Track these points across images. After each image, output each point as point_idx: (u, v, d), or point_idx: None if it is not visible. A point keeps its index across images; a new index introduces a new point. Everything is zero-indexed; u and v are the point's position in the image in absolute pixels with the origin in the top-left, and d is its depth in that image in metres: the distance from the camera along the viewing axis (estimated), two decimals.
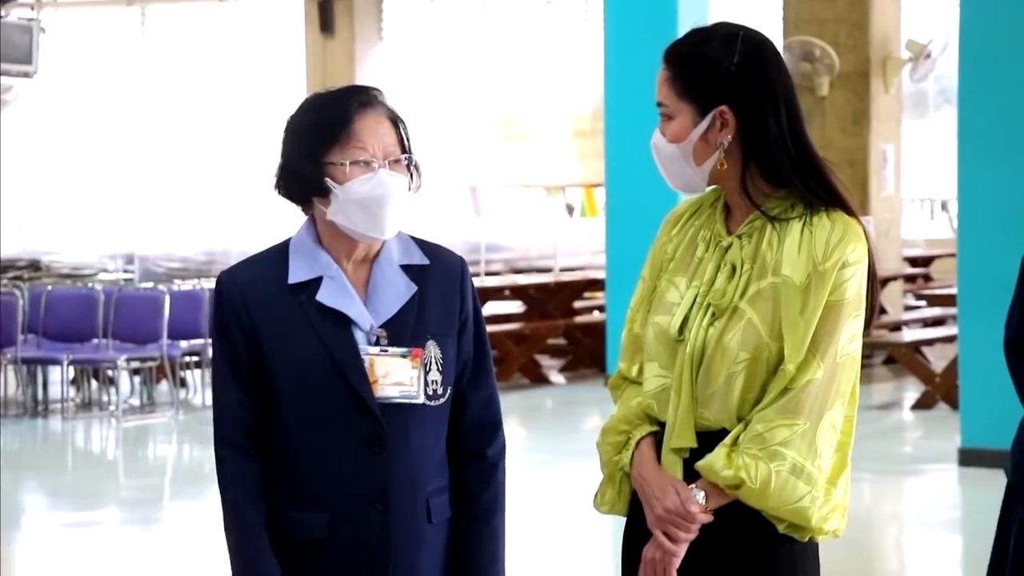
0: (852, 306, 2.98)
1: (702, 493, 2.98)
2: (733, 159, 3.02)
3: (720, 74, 2.99)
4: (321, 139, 3.06)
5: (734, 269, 3.02)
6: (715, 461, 2.96)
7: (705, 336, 3.00)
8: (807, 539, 3.03)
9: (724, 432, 2.99)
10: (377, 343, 3.08)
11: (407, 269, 3.14)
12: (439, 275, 3.16)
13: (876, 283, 3.06)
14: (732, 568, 3.02)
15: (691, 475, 3.01)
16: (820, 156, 3.05)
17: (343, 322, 3.08)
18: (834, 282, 2.96)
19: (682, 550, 2.99)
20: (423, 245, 3.19)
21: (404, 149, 3.12)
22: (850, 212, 3.03)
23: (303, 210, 3.16)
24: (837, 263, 2.96)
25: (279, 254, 3.14)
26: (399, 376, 3.07)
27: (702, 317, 3.02)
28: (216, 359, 3.15)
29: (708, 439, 3.00)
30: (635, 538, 3.11)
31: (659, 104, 3.06)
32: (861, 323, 3.00)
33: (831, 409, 2.97)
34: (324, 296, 3.08)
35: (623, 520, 3.18)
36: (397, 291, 3.12)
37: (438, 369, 3.11)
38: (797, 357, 2.95)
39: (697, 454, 3.01)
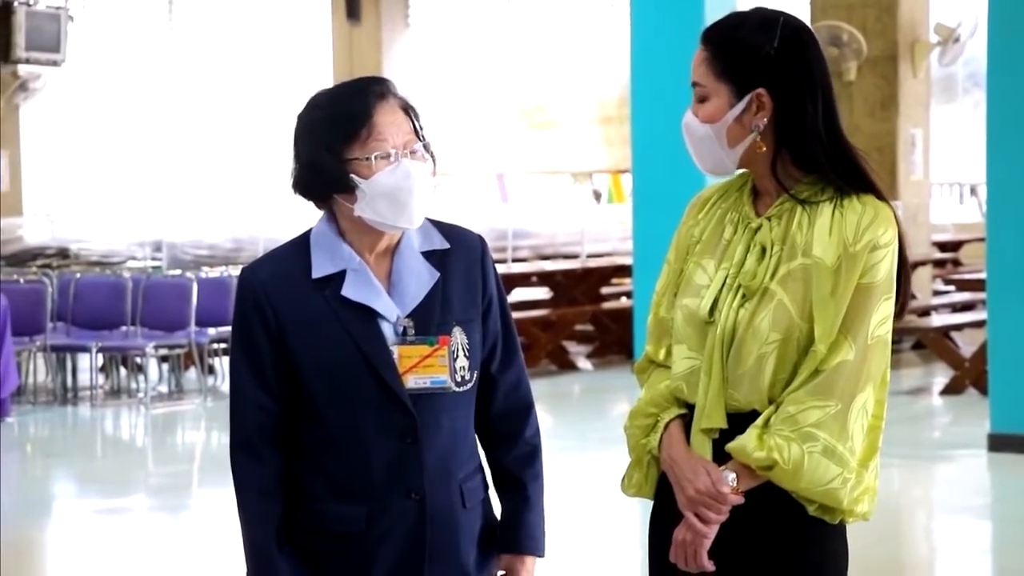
0: (883, 288, 2.98)
1: (733, 475, 2.97)
2: (766, 142, 3.02)
3: (760, 57, 2.99)
4: (342, 135, 3.04)
5: (764, 251, 3.02)
6: (747, 443, 2.95)
7: (736, 317, 3.00)
8: (837, 521, 3.02)
9: (754, 413, 2.99)
10: (404, 334, 3.08)
11: (429, 255, 3.14)
12: (460, 258, 3.15)
13: (908, 269, 3.06)
14: (763, 550, 3.02)
15: (720, 456, 3.01)
16: (852, 144, 3.05)
17: (369, 315, 3.07)
18: (865, 264, 2.96)
19: (713, 532, 2.99)
20: (442, 227, 3.18)
21: (418, 137, 3.11)
22: (881, 197, 3.03)
23: (319, 206, 3.14)
24: (868, 245, 2.97)
25: (300, 248, 3.12)
26: (428, 366, 3.07)
27: (732, 298, 3.02)
28: (235, 360, 3.14)
29: (738, 420, 3.00)
30: (662, 521, 3.11)
31: (694, 84, 3.05)
32: (892, 306, 3.00)
33: (863, 391, 2.97)
34: (349, 290, 3.07)
35: (651, 504, 3.18)
36: (420, 280, 3.11)
37: (465, 355, 3.10)
38: (828, 338, 2.95)
39: (726, 435, 3.00)
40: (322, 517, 3.10)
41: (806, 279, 2.97)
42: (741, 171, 3.12)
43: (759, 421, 2.97)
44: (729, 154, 3.04)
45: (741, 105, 3.00)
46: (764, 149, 3.02)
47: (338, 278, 3.08)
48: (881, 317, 2.98)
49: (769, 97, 3.00)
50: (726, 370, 3.01)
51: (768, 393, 2.99)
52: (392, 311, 3.08)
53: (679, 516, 3.03)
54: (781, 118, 3.00)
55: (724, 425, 3.01)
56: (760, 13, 3.06)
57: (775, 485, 2.97)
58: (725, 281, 3.04)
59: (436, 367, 3.07)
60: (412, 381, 3.06)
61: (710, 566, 2.99)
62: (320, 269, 3.09)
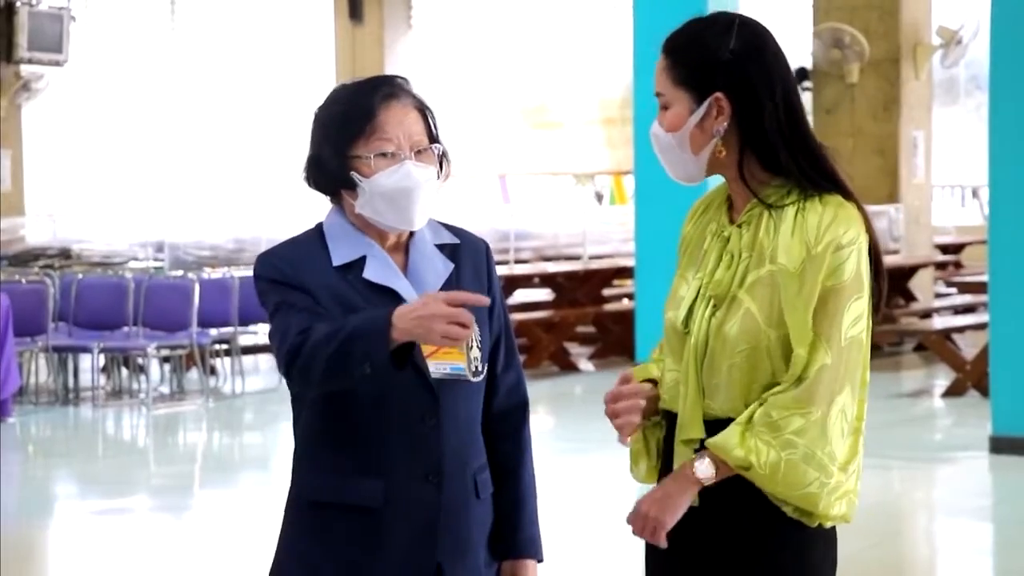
0: (852, 288, 2.97)
1: (707, 461, 2.97)
2: (730, 147, 3.03)
3: (716, 61, 3.00)
4: (346, 132, 3.07)
5: (732, 258, 3.02)
6: (729, 439, 2.95)
7: (708, 327, 3.01)
8: (816, 525, 3.02)
9: (731, 421, 2.98)
10: None
11: (441, 248, 3.17)
12: (469, 254, 3.20)
13: (881, 265, 3.05)
14: (738, 552, 3.02)
15: None
16: (819, 142, 3.04)
17: (393, 298, 3.09)
18: (829, 266, 2.95)
19: (675, 517, 2.98)
20: (449, 227, 3.22)
21: (432, 138, 3.12)
22: (848, 196, 3.02)
23: (331, 200, 3.17)
24: (829, 246, 2.95)
25: (315, 239, 3.14)
26: (447, 352, 3.09)
27: (704, 308, 3.03)
28: (275, 308, 3.05)
29: (716, 428, 3.00)
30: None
31: (657, 94, 3.07)
32: (864, 304, 2.99)
33: (840, 393, 2.96)
34: (370, 273, 3.10)
35: None
36: (436, 269, 3.14)
37: (478, 346, 3.13)
38: (804, 340, 2.94)
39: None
40: (342, 491, 3.10)
41: (772, 286, 2.97)
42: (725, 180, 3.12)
43: (742, 417, 2.96)
44: (695, 160, 3.04)
45: (701, 111, 3.01)
46: (723, 154, 3.02)
47: (359, 264, 3.10)
48: (853, 317, 2.97)
49: (727, 100, 3.00)
50: (701, 380, 3.02)
51: (743, 400, 2.98)
52: (413, 295, 3.09)
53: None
54: (742, 120, 3.00)
55: (702, 435, 3.01)
56: (718, 18, 3.06)
57: (754, 487, 2.97)
58: (699, 291, 3.05)
59: (454, 354, 3.09)
60: (433, 367, 3.08)
61: (664, 543, 2.99)
62: (340, 257, 3.11)
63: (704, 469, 2.97)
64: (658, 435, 3.14)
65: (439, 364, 3.08)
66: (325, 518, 3.12)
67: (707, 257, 3.06)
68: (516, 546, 3.22)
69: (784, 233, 2.97)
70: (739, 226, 3.04)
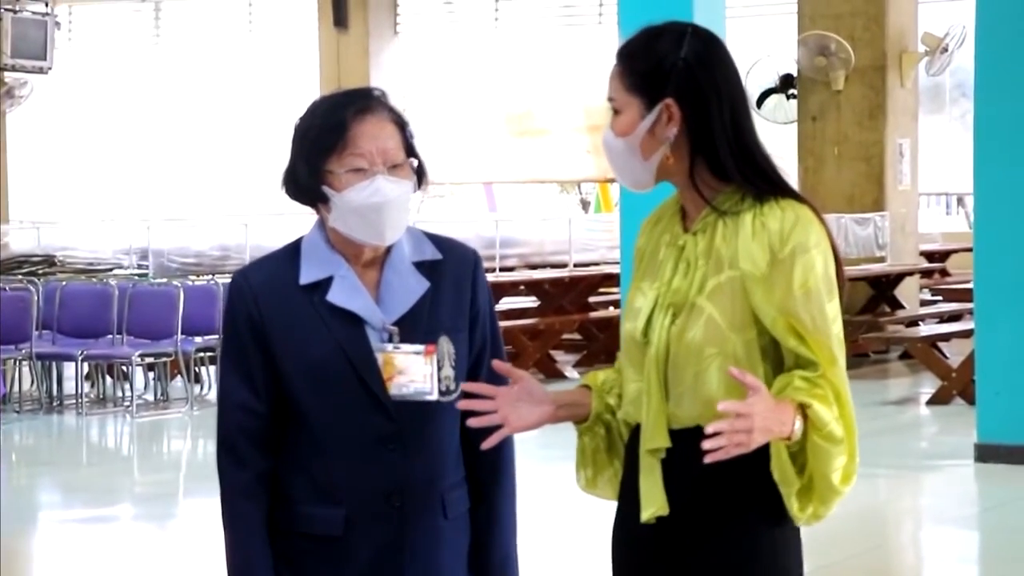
0: (824, 290, 2.96)
1: (800, 424, 2.91)
2: (680, 154, 3.03)
3: (667, 68, 3.02)
4: (320, 146, 3.05)
5: (689, 266, 3.02)
6: (822, 413, 2.90)
7: (668, 336, 3.00)
8: (787, 524, 2.99)
9: (698, 428, 2.95)
10: (390, 340, 3.07)
11: (419, 266, 3.13)
12: (452, 269, 3.15)
13: (841, 267, 3.05)
14: (711, 557, 3.00)
15: (669, 475, 2.99)
16: (766, 152, 3.04)
17: (355, 321, 3.07)
18: (797, 270, 2.94)
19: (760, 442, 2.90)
20: (435, 240, 3.18)
21: (409, 152, 3.10)
22: (801, 201, 3.02)
23: (314, 210, 3.15)
24: (794, 250, 2.95)
25: (291, 254, 3.13)
26: (412, 373, 3.06)
27: (663, 317, 3.02)
28: (224, 361, 3.15)
29: (682, 436, 2.98)
30: (625, 528, 3.09)
31: (609, 99, 3.10)
32: (838, 306, 2.99)
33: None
34: (334, 295, 3.08)
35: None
36: (409, 289, 3.11)
37: (451, 365, 3.10)
38: (818, 348, 2.93)
39: (672, 454, 2.99)
40: (302, 519, 3.10)
41: (733, 292, 2.97)
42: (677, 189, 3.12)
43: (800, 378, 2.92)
44: (645, 166, 3.05)
45: (651, 117, 3.02)
46: (672, 161, 3.03)
47: (325, 284, 3.09)
48: (832, 316, 2.97)
49: (677, 107, 3.01)
50: (664, 389, 3.00)
51: (710, 407, 2.94)
52: (377, 317, 3.08)
53: (642, 525, 3.01)
54: (691, 128, 3.02)
55: (667, 444, 3.00)
56: (669, 26, 3.10)
57: (725, 491, 2.95)
58: (657, 301, 3.04)
59: (419, 375, 3.07)
60: (394, 389, 3.05)
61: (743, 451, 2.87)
62: (308, 275, 3.09)
63: (798, 431, 2.91)
64: (596, 443, 3.14)
65: (402, 386, 3.06)
66: (293, 546, 3.11)
67: (663, 267, 3.06)
68: (491, 565, 3.20)
69: (744, 238, 2.98)
70: (694, 234, 3.04)
